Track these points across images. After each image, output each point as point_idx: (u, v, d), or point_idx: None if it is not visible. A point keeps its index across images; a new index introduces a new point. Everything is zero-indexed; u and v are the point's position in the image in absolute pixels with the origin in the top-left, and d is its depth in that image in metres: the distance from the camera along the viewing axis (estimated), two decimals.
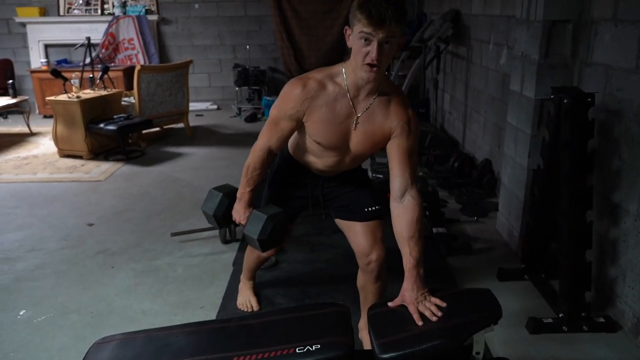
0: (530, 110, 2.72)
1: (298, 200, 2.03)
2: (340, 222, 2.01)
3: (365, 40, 1.49)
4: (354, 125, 1.70)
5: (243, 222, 1.92)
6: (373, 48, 1.48)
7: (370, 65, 1.52)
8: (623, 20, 2.18)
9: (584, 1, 2.48)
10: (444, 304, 1.51)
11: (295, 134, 1.84)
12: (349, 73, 1.63)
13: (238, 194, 1.94)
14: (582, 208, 2.21)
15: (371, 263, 1.91)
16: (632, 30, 2.11)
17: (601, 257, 2.36)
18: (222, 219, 2.01)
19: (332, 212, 2.04)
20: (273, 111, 1.76)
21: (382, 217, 1.95)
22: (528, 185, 2.79)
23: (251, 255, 2.33)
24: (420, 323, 1.46)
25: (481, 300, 1.57)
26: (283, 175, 2.03)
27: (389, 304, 1.58)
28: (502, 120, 3.57)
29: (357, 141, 1.73)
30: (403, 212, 1.63)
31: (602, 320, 2.23)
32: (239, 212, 1.93)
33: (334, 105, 1.66)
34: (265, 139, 1.80)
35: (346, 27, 1.57)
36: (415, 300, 1.51)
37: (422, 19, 6.25)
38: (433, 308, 1.49)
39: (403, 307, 1.56)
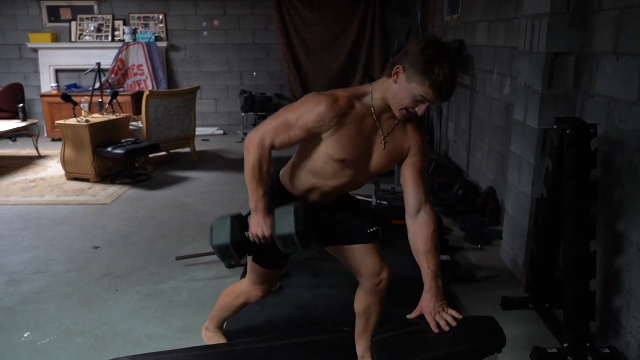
0: (533, 140, 2.75)
1: None
2: (340, 248, 1.96)
3: (419, 100, 1.57)
4: (382, 145, 1.72)
5: (268, 233, 1.70)
6: (423, 107, 1.59)
7: (411, 113, 1.61)
8: (624, 53, 2.23)
9: (586, 34, 2.54)
10: (460, 316, 1.58)
11: (294, 166, 1.82)
12: (377, 97, 1.67)
13: (251, 204, 1.72)
14: (586, 237, 2.22)
15: (382, 282, 1.92)
16: (633, 63, 2.16)
17: (605, 287, 2.36)
18: (240, 245, 1.72)
19: (327, 240, 1.98)
20: (288, 114, 1.67)
21: (379, 236, 1.98)
22: (532, 213, 2.81)
23: (234, 301, 2.15)
24: (436, 331, 1.54)
25: (485, 328, 1.59)
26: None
27: (408, 316, 1.63)
28: (505, 148, 3.61)
29: (378, 158, 1.75)
30: (419, 227, 1.70)
31: (607, 351, 2.22)
32: (259, 224, 1.70)
33: (360, 123, 1.68)
34: (270, 137, 1.68)
35: (400, 66, 1.57)
36: (433, 311, 1.58)
37: None
38: (449, 319, 1.56)
39: (407, 333, 1.58)
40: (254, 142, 1.68)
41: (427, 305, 1.60)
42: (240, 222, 1.74)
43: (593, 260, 2.25)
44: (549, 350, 2.22)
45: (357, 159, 1.73)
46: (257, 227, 1.71)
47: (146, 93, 5.23)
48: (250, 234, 1.72)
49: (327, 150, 1.69)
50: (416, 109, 1.60)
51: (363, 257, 1.92)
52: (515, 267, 3.02)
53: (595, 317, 2.29)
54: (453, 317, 1.58)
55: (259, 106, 6.85)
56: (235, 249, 1.71)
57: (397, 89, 1.59)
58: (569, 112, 2.65)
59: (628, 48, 2.21)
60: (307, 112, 1.64)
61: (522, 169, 2.93)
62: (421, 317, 1.62)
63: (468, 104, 4.70)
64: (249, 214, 1.77)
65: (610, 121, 2.33)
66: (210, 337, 2.29)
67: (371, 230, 1.93)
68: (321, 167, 1.75)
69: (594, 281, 2.26)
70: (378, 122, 1.70)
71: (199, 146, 6.26)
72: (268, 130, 1.69)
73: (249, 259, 2.03)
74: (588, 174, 2.23)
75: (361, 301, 2.02)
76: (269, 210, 1.72)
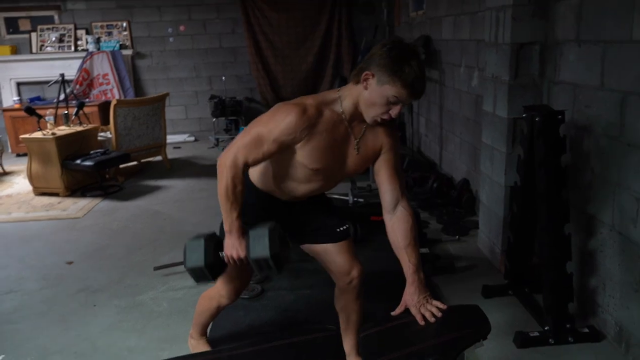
0: (504, 129, 2.80)
1: None
2: (311, 247, 1.96)
3: (393, 101, 1.56)
4: (356, 150, 1.72)
5: (243, 254, 1.68)
6: (397, 109, 1.58)
7: (385, 120, 1.61)
8: (586, 40, 2.29)
9: (548, 24, 2.60)
10: (444, 306, 1.60)
11: (264, 164, 1.80)
12: (348, 104, 1.65)
13: (226, 227, 1.70)
14: (560, 222, 2.27)
15: (353, 280, 1.93)
16: (594, 49, 2.22)
17: (581, 268, 2.42)
18: (214, 267, 1.71)
19: (299, 239, 1.97)
20: (259, 128, 1.64)
21: (350, 234, 1.99)
22: (506, 202, 2.86)
23: (209, 304, 2.14)
24: (422, 323, 1.56)
25: (470, 316, 1.60)
26: (249, 204, 1.88)
27: (393, 312, 1.64)
28: (477, 140, 3.66)
29: (352, 162, 1.75)
30: (397, 223, 1.70)
31: (586, 330, 2.27)
32: (234, 246, 1.68)
33: (332, 131, 1.66)
34: (243, 154, 1.64)
35: (368, 72, 1.56)
36: (417, 304, 1.59)
37: None
38: (434, 310, 1.58)
39: (394, 327, 1.59)
40: (227, 162, 1.65)
41: (411, 298, 1.62)
42: (214, 243, 1.73)
43: (568, 244, 2.30)
44: (531, 334, 2.26)
45: (331, 167, 1.73)
46: (232, 249, 1.69)
47: (114, 102, 5.12)
48: (224, 256, 1.71)
49: (301, 159, 1.68)
50: (390, 111, 1.59)
51: (334, 256, 1.93)
52: (493, 255, 3.06)
53: (574, 298, 2.34)
54: (438, 307, 1.59)
55: (230, 111, 6.78)
56: (209, 271, 1.69)
57: (368, 95, 1.59)
58: (536, 101, 2.71)
59: (589, 35, 2.27)
60: (277, 125, 1.61)
61: (494, 159, 2.97)
62: (406, 311, 1.63)
63: (438, 98, 4.76)
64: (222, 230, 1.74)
65: (577, 107, 2.39)
66: (194, 345, 2.27)
67: (340, 229, 1.94)
68: (292, 173, 1.75)
69: (570, 264, 2.31)
70: (350, 128, 1.69)
71: (171, 154, 6.17)
72: (239, 148, 1.65)
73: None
74: (559, 160, 2.28)
75: (338, 299, 2.03)
76: (244, 232, 1.70)
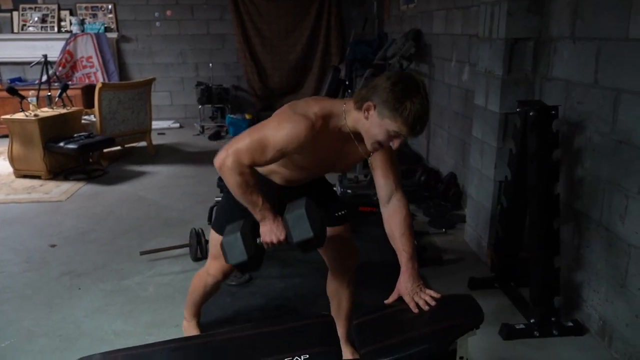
0: (495, 124, 2.82)
1: None
2: None
3: (393, 135, 1.54)
4: (346, 154, 1.75)
5: (282, 237, 1.68)
6: (398, 142, 1.57)
7: (383, 147, 1.60)
8: (580, 37, 2.32)
9: (543, 20, 2.62)
10: (438, 295, 1.61)
11: None
12: (350, 119, 1.64)
13: (258, 216, 1.70)
14: (550, 216, 2.31)
15: (348, 265, 1.99)
16: (589, 47, 2.25)
17: (568, 263, 2.46)
18: (257, 256, 1.70)
19: None
20: (266, 133, 1.61)
21: (349, 219, 2.02)
22: (495, 196, 2.89)
23: (198, 283, 2.15)
24: (416, 311, 1.57)
25: (463, 305, 1.62)
26: None
27: (386, 301, 1.65)
28: (465, 134, 3.69)
29: (341, 163, 1.81)
30: (392, 214, 1.74)
31: (570, 324, 2.32)
32: (272, 231, 1.68)
33: (330, 143, 1.68)
34: (249, 157, 1.62)
35: (370, 102, 1.54)
36: (411, 292, 1.61)
37: (382, 38, 6.41)
38: (427, 298, 1.59)
39: (387, 315, 1.60)
40: (228, 164, 1.61)
41: (405, 286, 1.63)
42: (251, 233, 1.70)
43: (557, 238, 2.34)
44: (517, 327, 2.30)
45: (319, 168, 1.81)
46: (270, 234, 1.69)
47: (99, 85, 5.03)
48: (263, 243, 1.71)
49: (294, 158, 1.72)
50: (390, 143, 1.57)
51: (330, 240, 1.93)
52: (480, 248, 3.10)
53: (560, 292, 2.38)
54: (431, 296, 1.60)
55: (217, 98, 6.73)
56: (253, 259, 1.68)
57: (369, 125, 1.57)
58: (528, 96, 2.73)
59: (584, 32, 2.30)
60: (284, 136, 1.59)
61: (484, 153, 3.00)
62: (400, 299, 1.64)
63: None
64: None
65: (569, 104, 2.42)
66: (185, 327, 2.28)
67: (339, 214, 1.98)
68: (284, 164, 1.77)
69: (558, 258, 2.35)
70: (347, 140, 1.69)
71: (155, 140, 6.08)
72: (242, 150, 1.62)
73: (211, 231, 2.02)
74: (551, 155, 2.31)
75: (331, 283, 2.09)
76: (276, 213, 1.69)
